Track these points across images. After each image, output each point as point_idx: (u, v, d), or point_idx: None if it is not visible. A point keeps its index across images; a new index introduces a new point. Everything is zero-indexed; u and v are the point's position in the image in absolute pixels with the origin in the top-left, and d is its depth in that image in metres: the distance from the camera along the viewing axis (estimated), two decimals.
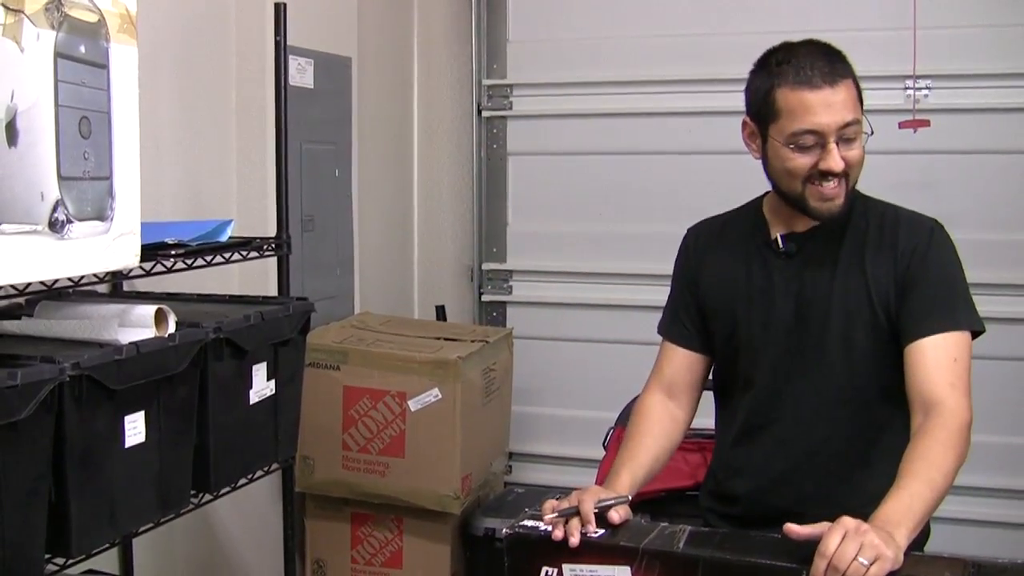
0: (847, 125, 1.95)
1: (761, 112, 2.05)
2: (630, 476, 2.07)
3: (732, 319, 2.16)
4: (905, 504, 1.76)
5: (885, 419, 2.07)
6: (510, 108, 4.35)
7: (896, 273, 2.02)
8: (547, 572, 1.67)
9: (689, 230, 2.33)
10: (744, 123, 2.11)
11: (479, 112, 4.35)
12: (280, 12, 2.63)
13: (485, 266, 4.40)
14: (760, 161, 2.10)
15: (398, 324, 3.56)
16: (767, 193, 2.18)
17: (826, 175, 1.96)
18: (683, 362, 2.26)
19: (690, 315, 2.24)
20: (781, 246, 2.10)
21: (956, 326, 1.98)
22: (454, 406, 3.16)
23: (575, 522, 1.81)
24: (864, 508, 1.76)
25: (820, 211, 2.01)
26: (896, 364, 2.03)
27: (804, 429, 2.09)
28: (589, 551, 1.68)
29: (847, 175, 1.98)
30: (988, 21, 3.74)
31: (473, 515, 3.38)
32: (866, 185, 2.15)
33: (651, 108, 4.09)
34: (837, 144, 1.95)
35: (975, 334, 2.01)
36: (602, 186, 4.21)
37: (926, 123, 3.51)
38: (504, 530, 1.75)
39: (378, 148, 3.94)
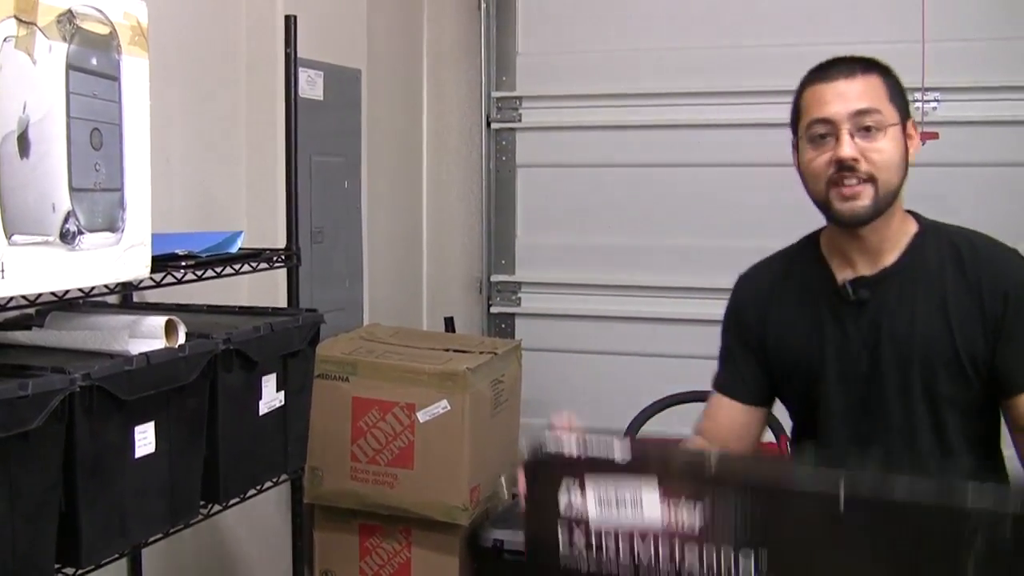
0: (862, 113, 1.87)
1: (792, 118, 1.99)
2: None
3: (807, 376, 2.02)
4: None
5: (971, 468, 1.91)
6: (519, 120, 4.36)
7: (985, 318, 1.89)
8: (568, 488, 1.56)
9: (741, 278, 2.16)
10: (792, 145, 2.02)
11: (488, 124, 4.36)
12: (290, 24, 2.64)
13: (494, 278, 4.41)
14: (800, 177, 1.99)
15: (407, 336, 3.57)
16: (821, 230, 2.07)
17: (842, 169, 1.86)
18: (739, 416, 2.12)
19: (752, 372, 2.10)
20: (851, 294, 1.95)
21: None
22: (463, 417, 3.16)
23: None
24: None
25: (842, 212, 1.89)
26: (980, 412, 1.94)
27: None
28: (612, 469, 1.56)
29: (873, 178, 1.87)
30: (997, 34, 3.74)
31: (482, 526, 3.38)
32: None
33: (660, 120, 4.09)
34: (852, 136, 1.86)
35: None
36: (611, 198, 4.21)
37: (935, 136, 3.51)
38: (523, 451, 1.64)
39: (387, 160, 3.95)
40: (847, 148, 1.86)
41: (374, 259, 3.79)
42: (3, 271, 1.55)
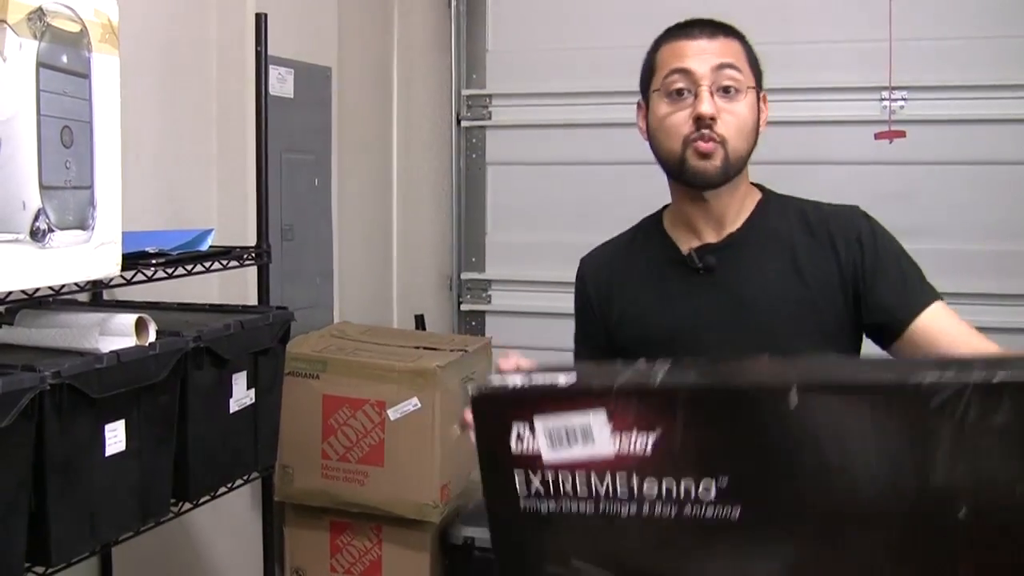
0: (723, 67, 1.83)
1: (644, 78, 1.95)
2: None
3: (659, 352, 1.80)
4: None
5: None
6: (489, 118, 4.36)
7: (842, 271, 1.86)
8: (518, 429, 1.49)
9: (583, 261, 2.15)
10: (637, 106, 1.99)
11: (458, 122, 4.36)
12: (261, 22, 2.64)
13: (464, 275, 4.42)
14: (649, 144, 1.96)
15: (377, 333, 3.57)
16: (663, 209, 2.07)
17: (701, 126, 1.82)
18: None
19: (603, 352, 2.07)
20: (697, 262, 1.91)
21: (936, 298, 1.85)
22: (433, 415, 3.16)
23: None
24: None
25: (696, 170, 1.84)
26: None
27: None
28: (560, 401, 1.48)
29: (725, 141, 1.82)
30: (963, 33, 3.78)
31: (452, 524, 3.39)
32: (843, 195, 2.15)
33: (630, 119, 4.09)
34: (713, 94, 1.82)
35: None
36: (581, 196, 4.22)
37: (902, 134, 3.54)
38: (470, 389, 1.54)
39: (358, 158, 3.94)
40: (707, 104, 1.81)
41: (344, 257, 3.79)
42: None
